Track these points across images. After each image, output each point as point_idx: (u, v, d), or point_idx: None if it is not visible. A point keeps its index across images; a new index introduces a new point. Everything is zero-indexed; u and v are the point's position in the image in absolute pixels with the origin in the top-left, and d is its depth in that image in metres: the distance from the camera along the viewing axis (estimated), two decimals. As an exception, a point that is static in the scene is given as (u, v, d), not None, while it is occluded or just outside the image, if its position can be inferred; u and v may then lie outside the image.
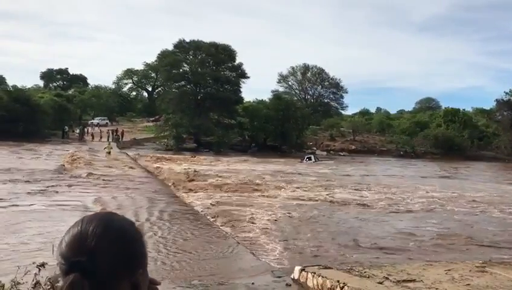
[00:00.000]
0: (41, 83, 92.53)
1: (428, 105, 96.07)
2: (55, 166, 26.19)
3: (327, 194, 21.81)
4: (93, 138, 51.28)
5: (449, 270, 8.45)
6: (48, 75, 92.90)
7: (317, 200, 20.16)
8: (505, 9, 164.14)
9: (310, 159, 44.50)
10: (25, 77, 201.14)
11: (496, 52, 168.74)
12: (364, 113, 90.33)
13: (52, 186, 19.09)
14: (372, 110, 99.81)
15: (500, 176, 37.65)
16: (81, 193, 17.91)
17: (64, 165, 26.72)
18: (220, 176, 26.89)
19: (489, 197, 22.84)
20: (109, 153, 34.45)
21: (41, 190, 17.92)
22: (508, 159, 55.81)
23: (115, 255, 1.06)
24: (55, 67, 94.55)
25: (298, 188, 23.95)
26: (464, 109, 70.90)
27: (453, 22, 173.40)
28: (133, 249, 1.11)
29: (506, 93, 61.29)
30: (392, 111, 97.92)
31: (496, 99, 62.08)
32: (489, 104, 75.08)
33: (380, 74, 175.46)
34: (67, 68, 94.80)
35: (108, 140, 48.21)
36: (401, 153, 58.39)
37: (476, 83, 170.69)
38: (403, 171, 38.03)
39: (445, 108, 74.11)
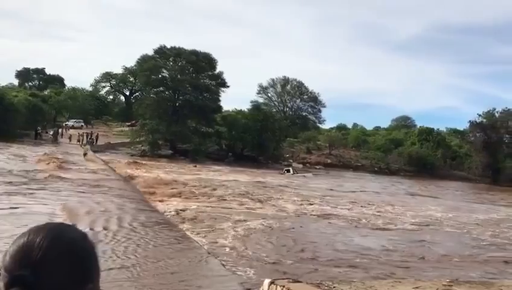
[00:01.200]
0: (16, 82, 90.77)
1: (403, 123, 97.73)
2: (25, 168, 25.53)
3: (323, 209, 21.76)
4: (70, 140, 50.32)
5: (417, 288, 8.44)
6: (24, 74, 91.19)
7: (309, 214, 20.12)
8: (480, 34, 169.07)
9: (288, 171, 45.30)
10: (1, 75, 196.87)
11: (470, 75, 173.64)
12: (341, 128, 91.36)
13: (20, 188, 18.56)
14: (349, 125, 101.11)
15: (490, 197, 38.02)
16: (50, 196, 17.45)
17: (34, 167, 26.08)
18: (194, 185, 26.68)
19: (493, 220, 23.14)
20: (85, 154, 34.18)
21: (8, 192, 17.39)
22: (479, 179, 57.03)
23: (61, 269, 0.99)
24: (32, 66, 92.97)
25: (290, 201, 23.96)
26: (438, 129, 72.65)
27: (430, 43, 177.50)
28: (82, 263, 1.04)
29: (479, 115, 62.96)
30: (369, 127, 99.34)
31: (469, 121, 63.68)
32: (462, 125, 77.04)
33: (357, 90, 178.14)
34: (44, 68, 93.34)
35: (82, 143, 47.56)
36: (376, 169, 59.09)
37: (450, 104, 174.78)
38: (391, 188, 38.68)
39: (420, 127, 75.55)
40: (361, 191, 33.42)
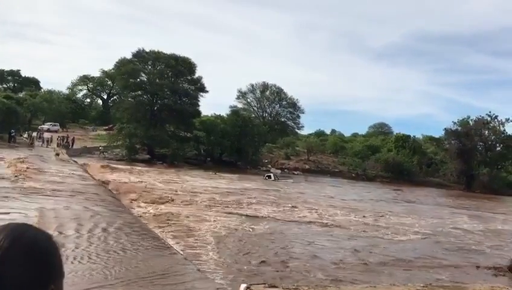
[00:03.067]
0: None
1: (381, 130, 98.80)
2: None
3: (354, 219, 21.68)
4: (48, 144, 49.11)
5: (392, 293, 8.52)
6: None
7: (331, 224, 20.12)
8: (456, 44, 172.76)
9: (269, 177, 45.31)
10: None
11: (446, 83, 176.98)
12: (320, 134, 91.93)
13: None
14: (327, 131, 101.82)
15: (484, 204, 38.25)
16: (22, 201, 17.02)
17: (6, 172, 25.44)
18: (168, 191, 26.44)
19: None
20: (58, 155, 34.14)
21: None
22: (453, 186, 58.04)
23: (22, 269, 1.00)
24: (7, 68, 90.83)
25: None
26: (414, 136, 73.56)
27: (408, 51, 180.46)
28: (44, 263, 1.05)
29: (454, 123, 64.11)
30: (346, 133, 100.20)
31: (445, 128, 64.70)
32: (437, 132, 78.04)
33: (336, 96, 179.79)
34: (19, 70, 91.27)
35: (58, 146, 46.89)
36: (353, 175, 59.54)
37: (427, 111, 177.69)
38: (390, 197, 38.91)
39: (396, 134, 76.45)
40: (365, 200, 33.29)
